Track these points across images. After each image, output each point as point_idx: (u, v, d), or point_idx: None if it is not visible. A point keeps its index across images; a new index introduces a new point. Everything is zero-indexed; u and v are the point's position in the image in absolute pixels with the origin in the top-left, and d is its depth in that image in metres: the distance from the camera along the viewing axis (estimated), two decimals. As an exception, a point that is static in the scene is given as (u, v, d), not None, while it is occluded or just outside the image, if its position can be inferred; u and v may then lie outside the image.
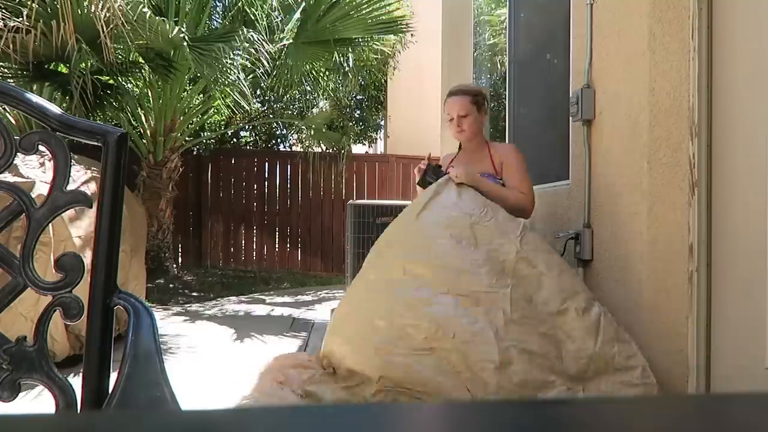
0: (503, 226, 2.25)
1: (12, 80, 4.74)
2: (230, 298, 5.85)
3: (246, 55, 5.01)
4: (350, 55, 6.29)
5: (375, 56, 7.15)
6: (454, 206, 2.31)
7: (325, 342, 2.28)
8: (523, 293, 2.08)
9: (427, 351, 1.94)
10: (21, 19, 4.19)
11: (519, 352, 1.92)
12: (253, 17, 5.67)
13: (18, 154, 0.88)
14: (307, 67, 6.18)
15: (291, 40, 5.81)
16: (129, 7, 4.38)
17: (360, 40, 6.08)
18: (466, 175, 2.43)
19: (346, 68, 6.37)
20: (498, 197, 2.47)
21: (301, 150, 7.96)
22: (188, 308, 5.15)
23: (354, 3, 5.71)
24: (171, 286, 5.98)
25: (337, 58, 6.16)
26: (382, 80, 8.62)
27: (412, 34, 6.28)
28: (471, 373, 1.90)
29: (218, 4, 6.64)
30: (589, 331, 2.03)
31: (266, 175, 8.02)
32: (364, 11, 5.74)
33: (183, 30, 4.82)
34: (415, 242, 2.25)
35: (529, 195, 2.59)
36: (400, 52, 7.35)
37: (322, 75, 6.66)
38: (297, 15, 5.86)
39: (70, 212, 3.15)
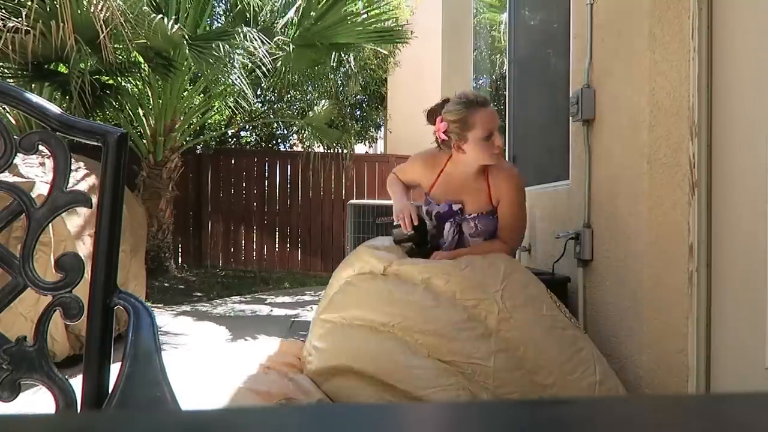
0: (481, 275, 2.05)
1: (11, 80, 4.74)
2: (230, 298, 5.85)
3: (246, 54, 5.01)
4: (350, 55, 6.27)
5: (375, 56, 7.14)
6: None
7: (305, 360, 2.25)
8: (509, 360, 1.91)
9: None
10: (20, 19, 4.19)
11: None
12: (252, 16, 5.67)
13: (18, 154, 0.88)
14: (307, 70, 6.18)
15: (289, 41, 5.81)
16: (128, 5, 4.39)
17: (357, 46, 6.09)
18: (449, 256, 2.23)
19: (347, 67, 6.36)
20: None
21: (302, 150, 7.96)
22: (188, 308, 5.15)
23: (349, 10, 5.71)
24: (171, 286, 5.98)
25: (335, 60, 6.15)
26: (383, 76, 8.62)
27: (409, 37, 6.27)
28: None
29: (220, 4, 6.64)
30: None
31: (266, 175, 8.02)
32: (360, 18, 5.75)
33: (183, 28, 4.83)
34: (391, 299, 2.07)
35: (513, 243, 2.36)
36: (400, 50, 7.34)
37: (322, 76, 6.66)
38: (291, 14, 5.84)
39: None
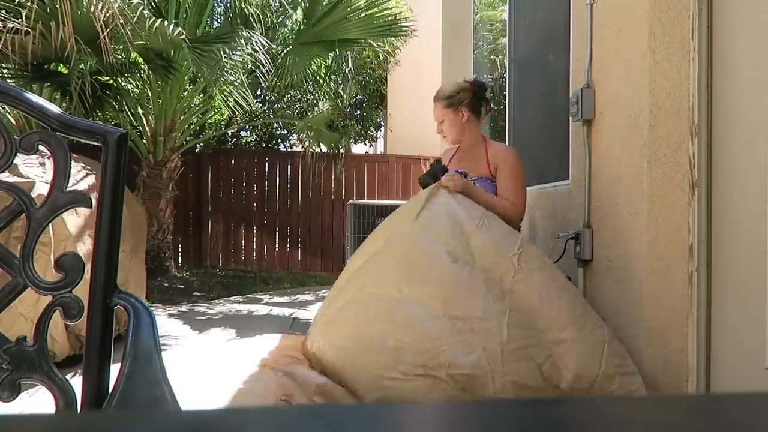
0: (500, 241, 2.15)
1: (11, 81, 4.74)
2: (230, 298, 5.85)
3: (246, 56, 5.01)
4: (349, 56, 6.27)
5: (375, 56, 7.13)
6: (449, 217, 2.24)
7: (311, 342, 2.27)
8: (521, 319, 1.99)
9: (420, 376, 1.90)
10: (20, 20, 4.19)
11: (514, 386, 1.89)
12: (252, 18, 5.67)
13: (18, 154, 0.88)
14: (308, 68, 6.18)
15: (291, 39, 5.81)
16: (128, 8, 4.39)
17: (360, 41, 6.09)
18: (457, 184, 2.43)
19: (346, 70, 6.36)
20: (486, 207, 2.47)
21: (302, 150, 7.97)
22: (188, 308, 5.15)
23: (353, 5, 5.72)
24: (171, 286, 5.98)
25: (336, 58, 6.15)
26: (383, 76, 8.61)
27: (412, 31, 6.28)
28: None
29: (219, 4, 6.64)
30: (589, 362, 1.96)
31: (266, 175, 8.02)
32: (363, 14, 5.76)
33: (183, 31, 4.83)
34: (412, 258, 2.17)
35: (518, 205, 2.58)
36: (400, 50, 7.34)
37: (322, 76, 6.67)
38: (296, 16, 5.86)
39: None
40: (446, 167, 2.65)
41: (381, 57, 7.57)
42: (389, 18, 5.97)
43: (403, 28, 5.96)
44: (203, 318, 4.70)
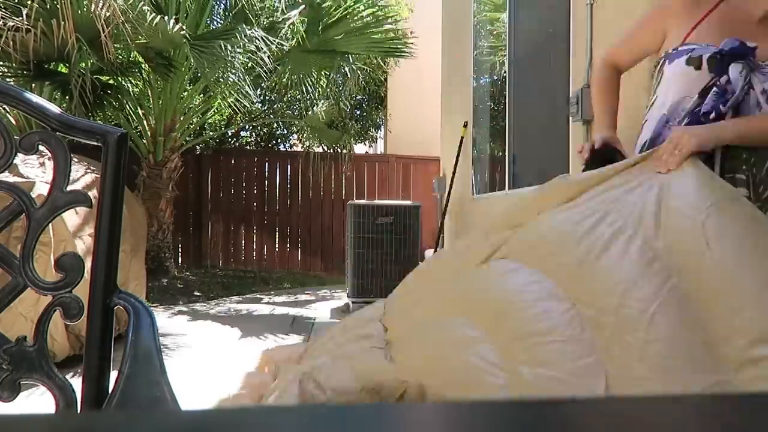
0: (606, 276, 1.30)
1: (12, 80, 4.75)
2: (230, 298, 5.86)
3: (247, 53, 5.01)
4: (351, 59, 6.34)
5: (374, 59, 7.19)
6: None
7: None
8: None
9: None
10: (21, 18, 4.20)
11: None
12: (253, 16, 5.67)
13: (18, 154, 0.88)
14: (307, 76, 6.25)
15: (294, 42, 5.84)
16: (128, 4, 4.39)
17: (360, 56, 6.26)
18: (696, 141, 1.34)
19: (346, 69, 6.38)
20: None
21: (302, 150, 7.97)
22: (188, 308, 5.16)
23: (357, 24, 5.82)
24: (171, 286, 5.98)
25: (338, 66, 6.26)
26: (383, 78, 8.63)
27: (412, 31, 6.31)
28: None
29: (220, 3, 6.64)
30: None
31: (266, 175, 8.02)
32: (366, 32, 5.88)
33: (183, 28, 4.83)
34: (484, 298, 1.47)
35: None
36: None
37: (323, 79, 6.71)
38: (295, 17, 5.87)
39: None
40: (617, 149, 1.64)
41: (380, 59, 7.62)
42: (391, 39, 6.13)
43: (405, 50, 6.09)
44: (203, 318, 4.70)
